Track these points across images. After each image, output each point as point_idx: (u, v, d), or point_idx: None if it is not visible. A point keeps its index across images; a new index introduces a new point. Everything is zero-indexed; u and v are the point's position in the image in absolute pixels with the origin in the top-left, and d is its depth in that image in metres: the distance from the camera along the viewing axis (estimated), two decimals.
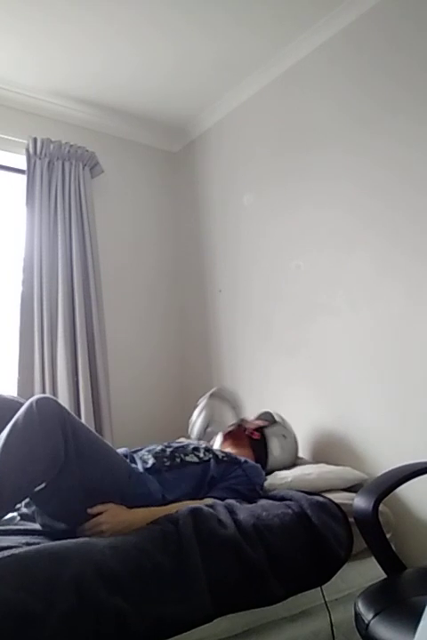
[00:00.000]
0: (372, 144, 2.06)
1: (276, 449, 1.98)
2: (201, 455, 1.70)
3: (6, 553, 1.09)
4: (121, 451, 1.64)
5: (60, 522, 1.36)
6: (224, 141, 2.87)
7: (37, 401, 1.30)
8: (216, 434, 1.99)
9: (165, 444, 1.81)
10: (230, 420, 2.01)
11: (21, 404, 1.33)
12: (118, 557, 1.16)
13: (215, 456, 1.72)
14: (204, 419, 1.93)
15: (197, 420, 1.94)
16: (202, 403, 2.00)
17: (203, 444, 1.84)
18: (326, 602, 1.40)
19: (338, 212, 2.20)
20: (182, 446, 1.75)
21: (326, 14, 2.20)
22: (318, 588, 1.40)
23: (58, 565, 1.08)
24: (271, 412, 2.13)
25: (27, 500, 1.43)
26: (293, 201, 2.42)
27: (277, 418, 2.08)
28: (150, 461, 1.59)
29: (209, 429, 1.92)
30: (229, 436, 2.00)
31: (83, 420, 2.43)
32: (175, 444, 1.78)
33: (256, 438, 1.96)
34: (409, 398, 1.89)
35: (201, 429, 1.91)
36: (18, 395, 2.37)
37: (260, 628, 1.35)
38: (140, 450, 1.73)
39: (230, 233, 2.79)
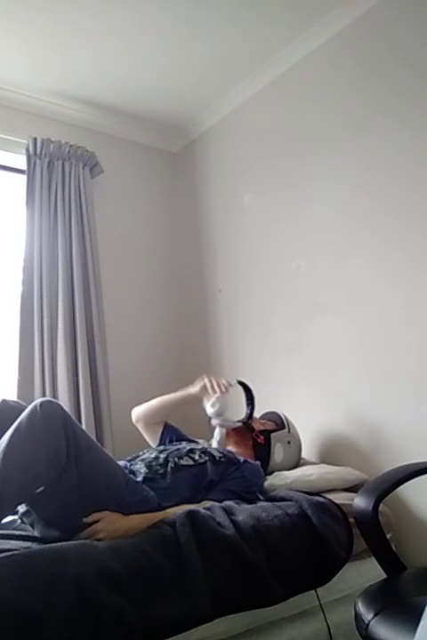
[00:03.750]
0: (368, 147, 2.07)
1: (278, 455, 1.97)
2: (196, 457, 1.69)
3: (7, 553, 1.09)
4: (121, 463, 1.63)
5: (56, 529, 1.35)
6: (224, 142, 2.87)
7: (41, 403, 1.31)
8: (225, 425, 1.97)
9: (160, 448, 1.81)
10: (241, 415, 2.00)
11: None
12: (118, 558, 1.16)
13: (212, 457, 1.71)
14: (223, 402, 1.87)
15: (221, 398, 1.87)
16: (234, 382, 1.98)
17: (199, 446, 1.84)
18: (321, 604, 1.40)
19: (336, 213, 2.20)
20: (177, 449, 1.74)
21: (323, 18, 2.21)
22: (320, 589, 1.40)
23: (58, 565, 1.08)
24: (279, 413, 2.11)
25: (25, 509, 1.43)
26: (292, 202, 2.42)
27: (284, 422, 2.06)
28: (143, 471, 1.59)
29: (223, 418, 1.92)
30: (234, 434, 1.99)
31: (83, 419, 2.44)
32: (171, 448, 1.78)
33: (260, 442, 1.95)
34: (409, 398, 1.89)
35: (223, 409, 1.87)
36: (18, 394, 2.37)
37: (260, 629, 1.35)
38: (136, 458, 1.73)
39: (230, 233, 2.79)
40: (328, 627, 1.40)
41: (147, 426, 2.03)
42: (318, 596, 1.39)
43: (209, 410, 1.89)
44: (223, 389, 1.87)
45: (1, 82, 2.54)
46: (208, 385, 1.88)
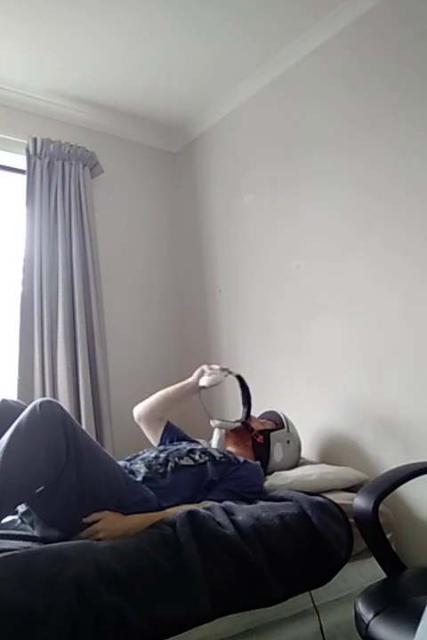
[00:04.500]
0: (368, 147, 2.07)
1: (278, 455, 1.97)
2: (197, 457, 1.69)
3: (7, 553, 1.09)
4: (120, 463, 1.63)
5: (56, 529, 1.35)
6: (224, 142, 2.87)
7: (41, 403, 1.31)
8: (223, 427, 1.97)
9: (161, 448, 1.81)
10: (238, 414, 2.00)
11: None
12: (118, 558, 1.16)
13: (212, 458, 1.71)
14: (218, 377, 1.89)
15: (216, 373, 1.89)
16: (232, 371, 2.00)
17: (200, 446, 1.84)
18: (315, 606, 1.39)
19: (336, 214, 2.20)
20: (177, 449, 1.74)
21: (323, 17, 2.20)
22: (319, 589, 1.40)
23: (58, 565, 1.08)
24: (278, 413, 2.11)
25: (24, 509, 1.43)
26: (292, 202, 2.42)
27: (284, 421, 2.07)
28: (143, 471, 1.59)
29: (221, 420, 1.94)
30: (233, 434, 1.99)
31: (83, 419, 2.44)
32: (171, 447, 1.78)
33: (260, 442, 1.95)
34: (409, 398, 1.89)
35: (216, 382, 1.88)
36: (18, 394, 2.37)
37: (260, 628, 1.35)
38: (136, 457, 1.73)
39: (230, 233, 2.79)
40: (322, 629, 1.40)
41: (148, 423, 2.03)
42: (312, 597, 1.39)
43: (201, 381, 1.90)
44: (220, 369, 1.89)
45: (1, 82, 2.54)
46: (206, 368, 1.92)
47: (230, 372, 1.97)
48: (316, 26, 2.25)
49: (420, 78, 1.90)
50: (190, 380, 1.98)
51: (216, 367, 1.92)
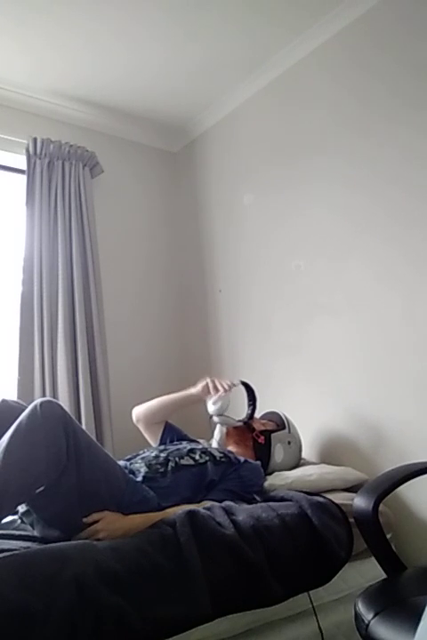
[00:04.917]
0: (367, 149, 2.08)
1: (279, 455, 1.96)
2: (197, 457, 1.69)
3: (7, 553, 1.09)
4: (120, 463, 1.63)
5: (56, 529, 1.35)
6: (224, 142, 2.87)
7: (41, 403, 1.31)
8: (226, 423, 1.97)
9: (161, 447, 1.81)
10: (242, 416, 2.00)
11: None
12: (118, 558, 1.16)
13: (213, 457, 1.71)
14: (225, 401, 1.88)
15: (223, 397, 1.88)
16: (237, 382, 1.99)
17: (200, 446, 1.84)
18: (313, 607, 1.39)
19: (336, 215, 2.21)
20: (178, 449, 1.74)
21: (321, 19, 2.21)
22: (320, 589, 1.40)
23: (58, 565, 1.08)
24: (280, 413, 2.11)
25: (25, 509, 1.43)
26: (292, 203, 2.42)
27: (285, 422, 2.06)
28: (143, 470, 1.58)
29: (224, 416, 1.92)
30: (234, 434, 1.99)
31: (83, 419, 2.44)
32: (171, 447, 1.77)
33: (261, 442, 1.95)
34: (409, 398, 1.89)
35: (224, 408, 1.88)
36: (18, 394, 2.37)
37: (260, 628, 1.35)
38: (136, 456, 1.73)
39: (230, 233, 2.79)
40: (320, 629, 1.40)
41: (147, 426, 2.03)
42: (310, 599, 1.39)
43: (210, 408, 1.89)
44: (226, 388, 1.88)
45: (1, 82, 2.54)
46: (210, 385, 1.89)
47: (234, 385, 1.96)
48: (314, 27, 2.25)
49: (418, 80, 1.90)
50: (193, 392, 1.95)
51: (221, 389, 1.88)
